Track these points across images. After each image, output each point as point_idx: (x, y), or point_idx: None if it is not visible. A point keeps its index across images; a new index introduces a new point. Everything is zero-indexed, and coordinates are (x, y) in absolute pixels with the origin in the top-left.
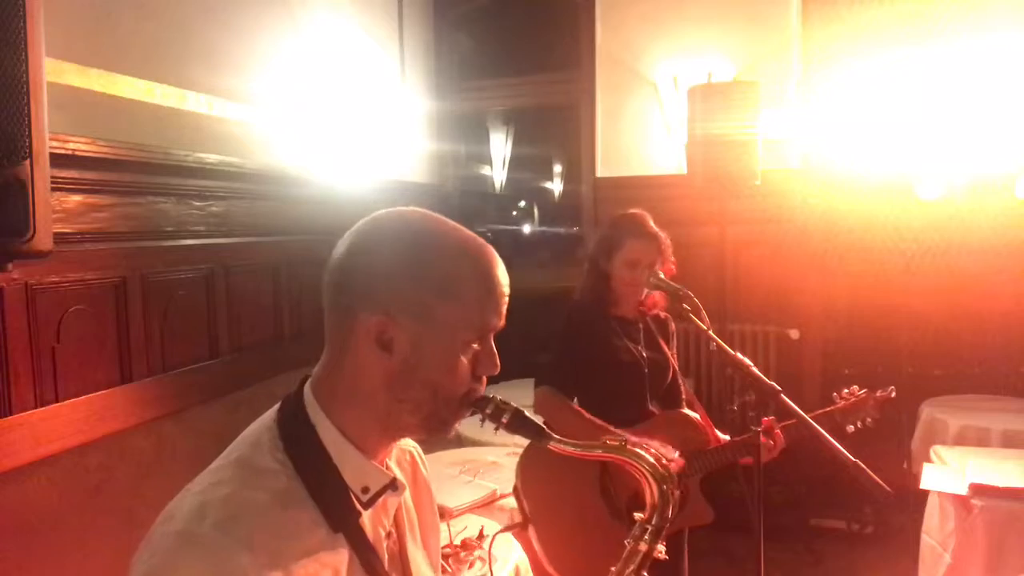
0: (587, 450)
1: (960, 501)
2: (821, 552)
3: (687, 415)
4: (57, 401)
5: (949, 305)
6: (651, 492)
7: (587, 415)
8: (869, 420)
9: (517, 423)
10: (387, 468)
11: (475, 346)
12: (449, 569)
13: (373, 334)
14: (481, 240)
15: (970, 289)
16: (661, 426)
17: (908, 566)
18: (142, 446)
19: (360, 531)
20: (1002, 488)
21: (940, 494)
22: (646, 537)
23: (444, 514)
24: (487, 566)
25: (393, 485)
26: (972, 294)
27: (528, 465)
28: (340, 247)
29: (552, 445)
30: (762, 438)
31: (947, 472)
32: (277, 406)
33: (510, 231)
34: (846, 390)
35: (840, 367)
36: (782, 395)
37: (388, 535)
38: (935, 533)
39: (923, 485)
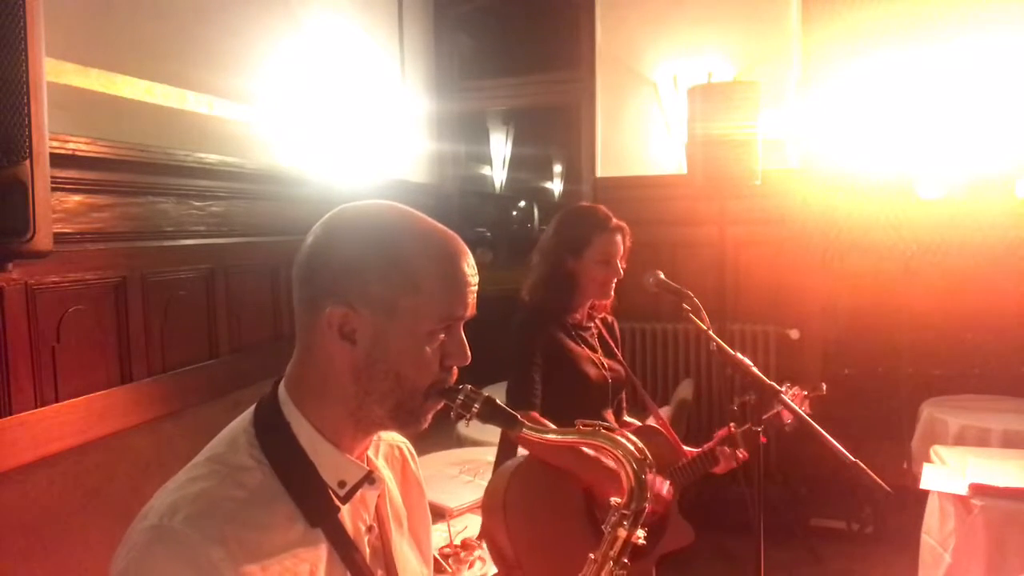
0: (561, 436)
1: (960, 501)
2: (821, 552)
3: (656, 429)
4: (57, 401)
5: (949, 305)
6: (627, 477)
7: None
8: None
9: (489, 412)
10: (366, 462)
11: (442, 336)
12: (449, 569)
13: (335, 326)
14: (447, 231)
15: (970, 289)
16: None
17: (908, 566)
18: (142, 446)
19: (339, 525)
20: (1002, 488)
21: (940, 494)
22: (624, 523)
23: (444, 514)
24: (487, 566)
25: (370, 478)
26: (972, 294)
27: (511, 506)
28: (306, 241)
29: (525, 433)
30: (724, 448)
31: (947, 472)
32: (253, 406)
33: (510, 231)
34: (783, 387)
35: (840, 367)
36: (782, 395)
37: (370, 529)
38: (935, 533)
39: (923, 485)
